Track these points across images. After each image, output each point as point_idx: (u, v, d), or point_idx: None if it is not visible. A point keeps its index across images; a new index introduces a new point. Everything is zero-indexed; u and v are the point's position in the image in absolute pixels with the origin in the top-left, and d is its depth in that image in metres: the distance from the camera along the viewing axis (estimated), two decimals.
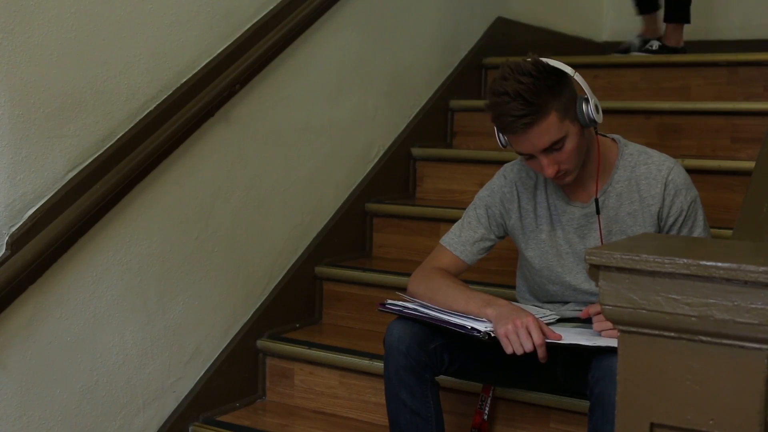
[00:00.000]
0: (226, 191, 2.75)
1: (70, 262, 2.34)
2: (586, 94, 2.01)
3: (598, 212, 2.08)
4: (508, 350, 1.92)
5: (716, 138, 3.12)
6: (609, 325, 1.95)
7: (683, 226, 2.06)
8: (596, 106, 1.99)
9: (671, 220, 2.06)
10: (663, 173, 2.06)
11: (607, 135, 2.16)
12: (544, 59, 1.99)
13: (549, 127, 1.94)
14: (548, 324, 2.00)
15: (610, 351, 1.82)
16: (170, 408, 2.64)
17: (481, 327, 1.96)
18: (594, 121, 1.99)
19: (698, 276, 1.06)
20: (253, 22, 2.78)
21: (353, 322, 2.99)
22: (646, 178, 2.08)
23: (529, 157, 2.01)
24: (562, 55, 3.89)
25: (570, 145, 1.98)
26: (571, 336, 1.96)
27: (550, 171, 1.98)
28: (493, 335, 1.95)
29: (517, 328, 1.91)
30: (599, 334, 1.96)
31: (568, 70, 1.99)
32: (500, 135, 2.05)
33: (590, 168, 2.09)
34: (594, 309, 2.01)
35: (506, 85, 1.93)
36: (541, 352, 1.91)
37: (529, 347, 1.90)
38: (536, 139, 1.95)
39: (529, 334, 1.90)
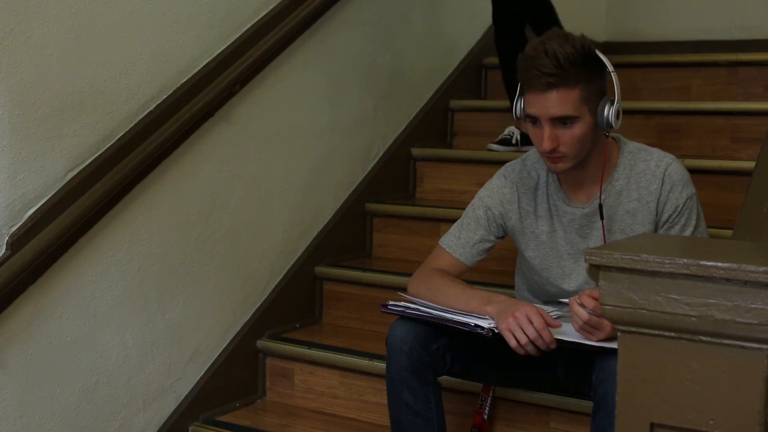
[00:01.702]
0: (226, 191, 2.75)
1: (70, 262, 2.34)
2: (614, 96, 2.00)
3: (602, 217, 2.07)
4: (512, 343, 1.92)
5: (716, 138, 3.12)
6: (586, 324, 1.95)
7: (675, 224, 2.04)
8: (618, 112, 1.99)
9: (665, 215, 2.05)
10: (661, 169, 2.06)
11: (608, 134, 2.16)
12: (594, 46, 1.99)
13: (568, 99, 1.94)
14: None
15: (614, 352, 1.81)
16: (170, 408, 2.64)
17: (484, 324, 1.96)
18: (610, 125, 1.99)
19: (698, 276, 1.06)
20: (253, 22, 2.78)
21: (353, 322, 2.99)
22: (645, 174, 2.07)
23: (534, 122, 2.00)
24: None
25: (578, 130, 1.97)
26: (574, 334, 1.95)
27: (547, 144, 1.96)
28: (496, 331, 1.95)
29: (518, 318, 1.92)
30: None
31: (609, 66, 1.99)
32: (518, 103, 2.05)
33: (591, 169, 2.09)
34: (582, 300, 2.00)
35: (547, 44, 1.94)
36: (546, 336, 1.90)
37: (532, 333, 1.90)
38: (551, 104, 1.94)
39: (531, 322, 1.91)
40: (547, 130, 1.97)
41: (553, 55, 1.91)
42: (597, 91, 1.98)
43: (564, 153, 1.99)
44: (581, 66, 1.93)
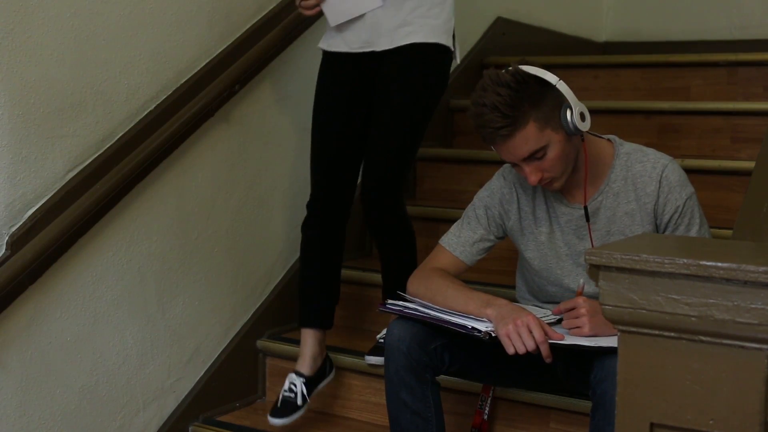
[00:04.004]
0: (226, 191, 2.75)
1: (70, 262, 2.34)
2: (570, 102, 1.99)
3: (587, 219, 2.08)
4: (510, 350, 1.92)
5: (716, 138, 3.11)
6: (576, 323, 1.96)
7: (679, 224, 2.05)
8: (581, 114, 1.98)
9: (666, 218, 2.06)
10: (657, 171, 2.06)
11: (602, 136, 2.16)
12: (526, 67, 1.98)
13: (528, 137, 1.94)
14: (549, 324, 2.00)
15: (613, 351, 1.82)
16: (170, 408, 2.64)
17: (482, 327, 1.96)
18: (578, 130, 1.98)
19: (698, 276, 1.06)
20: (253, 22, 2.78)
21: (353, 322, 2.99)
22: (642, 176, 2.07)
23: (515, 164, 2.02)
24: (561, 55, 3.91)
25: (553, 153, 1.97)
26: (572, 336, 1.96)
27: (533, 179, 1.99)
28: (493, 335, 1.94)
29: (518, 327, 1.91)
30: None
31: (552, 78, 1.98)
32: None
33: (584, 171, 2.09)
34: (564, 306, 2.01)
35: (485, 97, 1.94)
36: (544, 350, 1.91)
37: (531, 346, 1.90)
38: (516, 149, 1.96)
39: (531, 332, 1.90)
40: (526, 168, 1.99)
41: (494, 107, 1.92)
42: (551, 107, 1.97)
43: (552, 176, 2.01)
44: (524, 100, 1.93)
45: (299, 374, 2.53)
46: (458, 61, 2.55)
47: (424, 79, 2.44)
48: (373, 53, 2.46)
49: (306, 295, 2.61)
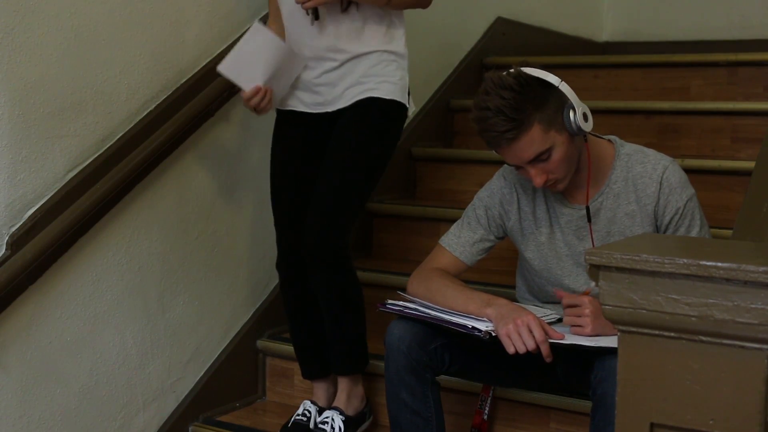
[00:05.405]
0: (226, 191, 2.75)
1: (70, 262, 2.34)
2: (573, 102, 1.99)
3: (589, 220, 2.08)
4: (510, 350, 1.92)
5: (716, 138, 3.12)
6: (579, 321, 1.96)
7: (680, 226, 2.06)
8: (584, 115, 1.99)
9: (667, 219, 2.06)
10: (658, 172, 2.06)
11: (603, 136, 2.16)
12: (528, 69, 1.98)
13: (533, 140, 1.95)
14: (549, 324, 2.00)
15: (613, 351, 1.82)
16: (170, 408, 2.64)
17: (482, 326, 1.96)
18: (581, 130, 1.98)
19: (698, 276, 1.06)
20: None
21: None
22: (642, 177, 2.07)
23: (519, 167, 2.02)
24: (562, 55, 3.91)
25: (557, 154, 1.98)
26: (572, 336, 1.96)
27: (538, 181, 1.99)
28: (494, 335, 1.95)
29: (519, 327, 1.91)
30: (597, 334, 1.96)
31: (554, 80, 1.98)
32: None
33: (586, 172, 2.09)
34: (569, 300, 2.01)
35: (488, 101, 1.94)
36: (545, 350, 1.91)
37: (531, 345, 1.90)
38: (521, 152, 1.96)
39: (531, 332, 1.91)
40: (531, 170, 1.99)
41: (498, 110, 1.92)
42: (555, 109, 1.97)
43: (556, 177, 2.01)
44: (528, 102, 1.93)
45: (314, 403, 2.57)
46: (411, 108, 2.49)
47: (378, 130, 2.40)
48: (327, 113, 2.43)
49: (300, 349, 2.62)
